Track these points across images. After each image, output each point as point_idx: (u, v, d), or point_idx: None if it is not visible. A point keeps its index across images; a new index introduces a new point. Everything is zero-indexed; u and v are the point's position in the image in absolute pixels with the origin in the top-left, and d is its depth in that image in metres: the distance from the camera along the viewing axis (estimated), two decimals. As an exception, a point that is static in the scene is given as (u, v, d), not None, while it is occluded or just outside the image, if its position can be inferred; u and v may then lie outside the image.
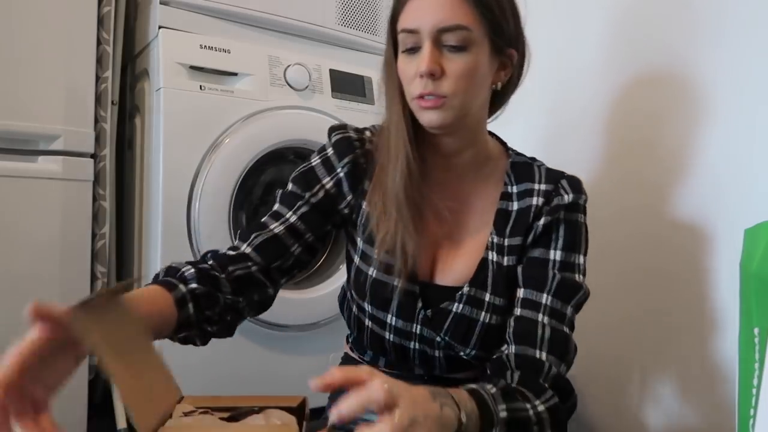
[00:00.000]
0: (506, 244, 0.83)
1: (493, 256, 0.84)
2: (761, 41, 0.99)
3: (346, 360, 0.97)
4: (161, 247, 1.39)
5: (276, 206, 0.88)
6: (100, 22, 1.43)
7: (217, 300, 0.75)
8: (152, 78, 1.46)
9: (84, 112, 1.38)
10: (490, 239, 0.84)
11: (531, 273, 0.82)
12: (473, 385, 0.67)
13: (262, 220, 0.86)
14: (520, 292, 0.81)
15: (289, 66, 1.56)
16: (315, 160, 0.89)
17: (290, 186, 0.88)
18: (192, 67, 1.43)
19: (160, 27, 1.43)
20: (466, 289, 0.83)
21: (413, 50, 0.78)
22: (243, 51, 1.51)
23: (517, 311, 0.81)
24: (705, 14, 1.08)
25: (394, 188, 0.80)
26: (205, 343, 0.78)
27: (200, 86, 1.43)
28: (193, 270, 0.75)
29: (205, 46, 1.45)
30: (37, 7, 1.30)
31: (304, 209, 0.85)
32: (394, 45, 0.83)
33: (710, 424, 1.05)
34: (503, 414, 0.65)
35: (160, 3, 1.45)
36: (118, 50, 1.52)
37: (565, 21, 1.36)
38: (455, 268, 0.85)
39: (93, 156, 1.40)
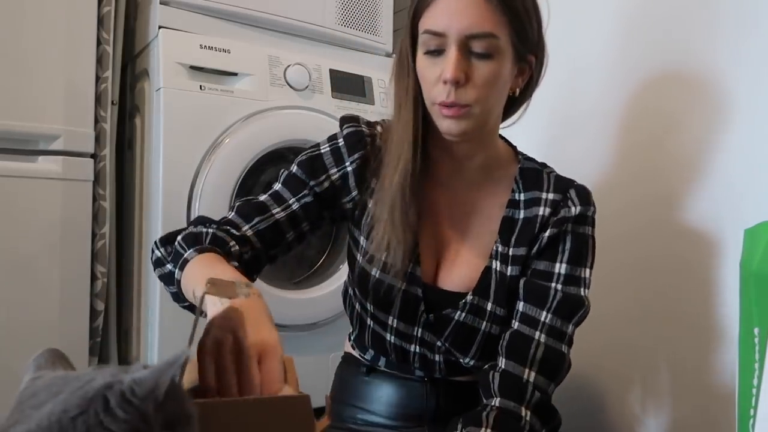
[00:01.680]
0: (510, 253, 0.82)
1: (497, 265, 0.82)
2: None
3: (347, 359, 0.97)
4: (161, 247, 1.39)
5: (278, 186, 0.86)
6: (100, 22, 1.43)
7: None
8: (152, 78, 1.46)
9: (84, 112, 1.38)
10: (495, 248, 0.83)
11: (533, 287, 0.80)
12: None
13: (261, 199, 0.85)
14: (520, 305, 0.80)
15: (289, 66, 1.55)
16: (324, 148, 0.87)
17: (295, 168, 0.86)
18: (192, 67, 1.43)
19: (160, 27, 1.43)
20: (469, 297, 0.82)
21: (437, 53, 0.75)
22: (243, 51, 1.51)
23: (515, 324, 0.80)
24: (720, 13, 1.08)
25: (390, 190, 0.79)
26: None
27: (200, 86, 1.43)
28: (238, 248, 0.77)
29: (205, 46, 1.45)
30: (37, 7, 1.30)
31: (307, 199, 0.84)
32: (412, 41, 0.79)
33: (710, 424, 1.04)
34: None
35: (160, 3, 1.44)
36: (118, 50, 1.52)
37: (575, 18, 1.36)
38: (459, 274, 0.85)
39: (93, 156, 1.40)
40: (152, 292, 1.42)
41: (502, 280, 0.81)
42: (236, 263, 0.73)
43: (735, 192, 1.02)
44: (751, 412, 0.62)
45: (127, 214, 1.63)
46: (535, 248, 0.81)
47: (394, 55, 1.85)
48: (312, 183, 0.85)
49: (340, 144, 0.86)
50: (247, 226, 0.81)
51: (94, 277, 1.43)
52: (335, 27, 1.68)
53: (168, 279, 0.78)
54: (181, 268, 0.73)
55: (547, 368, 0.77)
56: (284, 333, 1.52)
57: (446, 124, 0.76)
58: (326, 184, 0.85)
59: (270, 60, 1.54)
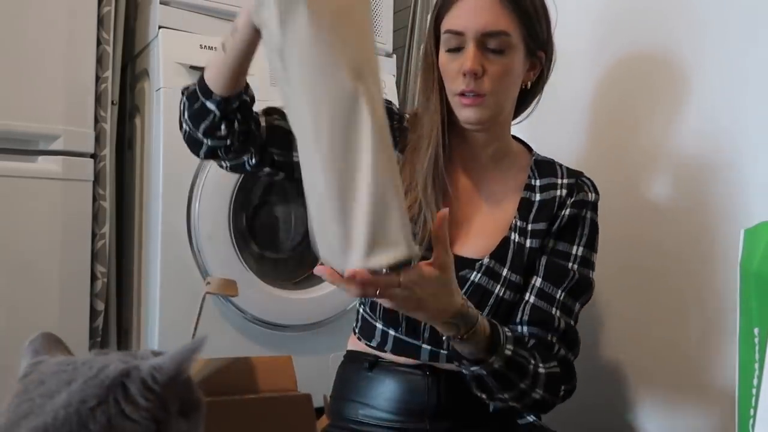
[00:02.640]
0: (530, 228, 0.90)
1: (515, 236, 0.90)
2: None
3: (350, 357, 0.97)
4: (161, 247, 1.39)
5: None
6: (100, 22, 1.43)
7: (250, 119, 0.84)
8: (152, 78, 1.46)
9: (84, 112, 1.38)
10: (514, 222, 0.91)
11: (553, 266, 0.88)
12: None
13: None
14: (537, 281, 0.88)
15: (289, 66, 1.55)
16: None
17: None
18: (192, 67, 1.43)
19: (160, 27, 1.43)
20: (486, 260, 0.88)
21: (457, 50, 0.84)
22: (243, 51, 1.51)
23: (531, 299, 0.87)
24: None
25: (422, 171, 0.87)
26: (227, 137, 0.82)
27: (200, 86, 1.43)
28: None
29: (205, 46, 1.45)
30: (37, 7, 1.30)
31: None
32: (436, 41, 0.88)
33: (710, 424, 1.04)
34: (507, 352, 0.75)
35: (160, 3, 1.44)
36: (118, 50, 1.52)
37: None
38: (477, 242, 0.91)
39: (93, 156, 1.40)
40: (152, 292, 1.42)
41: (520, 250, 0.89)
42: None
43: (735, 191, 1.02)
44: (751, 412, 0.62)
45: (127, 214, 1.63)
46: (556, 225, 0.90)
47: (394, 55, 1.85)
48: None
49: None
50: (265, 117, 0.88)
51: (94, 277, 1.43)
52: (335, 27, 1.68)
53: (198, 106, 0.82)
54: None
55: (568, 339, 0.86)
56: (284, 333, 1.53)
57: (465, 113, 0.86)
58: None
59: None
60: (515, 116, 0.96)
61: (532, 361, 0.79)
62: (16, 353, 1.43)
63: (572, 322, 0.87)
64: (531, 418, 0.93)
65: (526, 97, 0.95)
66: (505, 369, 0.76)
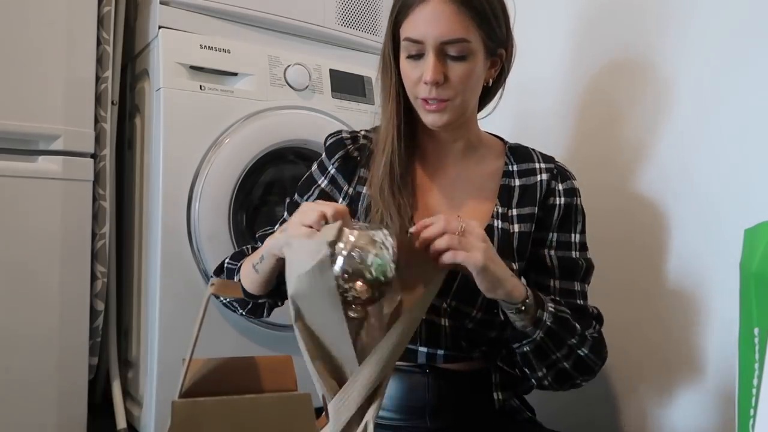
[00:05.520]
0: (514, 214, 0.92)
1: (498, 224, 0.91)
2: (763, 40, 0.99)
3: None
4: (161, 247, 1.39)
5: (286, 216, 0.97)
6: (100, 22, 1.43)
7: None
8: (152, 78, 1.46)
9: (84, 112, 1.38)
10: (495, 210, 0.92)
11: (563, 262, 0.91)
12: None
13: (273, 231, 0.93)
14: (556, 283, 0.91)
15: (289, 66, 1.56)
16: (313, 167, 0.98)
17: (295, 196, 0.98)
18: (192, 67, 1.43)
19: (160, 27, 1.43)
20: None
21: (417, 57, 0.84)
22: (243, 51, 1.51)
23: (561, 301, 0.89)
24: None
25: (379, 172, 0.88)
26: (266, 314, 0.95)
27: (200, 86, 1.43)
28: None
29: (205, 46, 1.45)
30: (37, 6, 1.30)
31: None
32: (394, 43, 0.89)
33: (710, 424, 1.05)
34: (551, 308, 0.80)
35: (160, 3, 1.44)
36: (118, 50, 1.52)
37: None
38: None
39: (93, 156, 1.40)
40: (152, 292, 1.42)
41: (506, 235, 0.90)
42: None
43: (735, 191, 1.02)
44: (751, 412, 0.62)
45: (127, 214, 1.63)
46: (556, 215, 0.92)
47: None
48: (305, 197, 0.95)
49: (322, 157, 0.98)
50: None
51: (94, 277, 1.43)
52: (335, 27, 1.68)
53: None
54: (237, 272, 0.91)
55: (600, 320, 0.91)
56: (284, 333, 1.53)
57: (430, 118, 0.87)
58: (316, 193, 0.95)
59: (270, 60, 1.54)
60: (480, 110, 0.98)
61: (575, 322, 0.83)
62: (16, 353, 1.44)
63: (588, 303, 0.92)
64: (528, 415, 0.93)
65: (489, 93, 0.96)
66: (558, 325, 0.80)
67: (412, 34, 0.83)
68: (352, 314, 0.67)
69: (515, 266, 0.89)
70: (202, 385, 0.65)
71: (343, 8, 1.69)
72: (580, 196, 0.95)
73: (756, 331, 0.63)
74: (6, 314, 1.26)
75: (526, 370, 0.85)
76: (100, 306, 1.45)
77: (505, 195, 0.93)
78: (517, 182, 0.94)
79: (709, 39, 1.08)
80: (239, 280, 0.88)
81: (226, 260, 0.95)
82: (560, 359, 0.82)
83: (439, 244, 0.71)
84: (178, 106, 1.40)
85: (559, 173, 0.95)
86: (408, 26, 0.84)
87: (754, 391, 0.63)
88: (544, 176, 0.93)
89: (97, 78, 1.42)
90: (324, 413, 0.69)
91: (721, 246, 1.03)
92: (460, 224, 0.72)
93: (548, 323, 0.79)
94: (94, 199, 1.42)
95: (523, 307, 0.77)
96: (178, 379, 0.66)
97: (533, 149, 0.99)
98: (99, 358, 1.50)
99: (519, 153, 0.97)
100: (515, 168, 0.95)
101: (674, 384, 1.11)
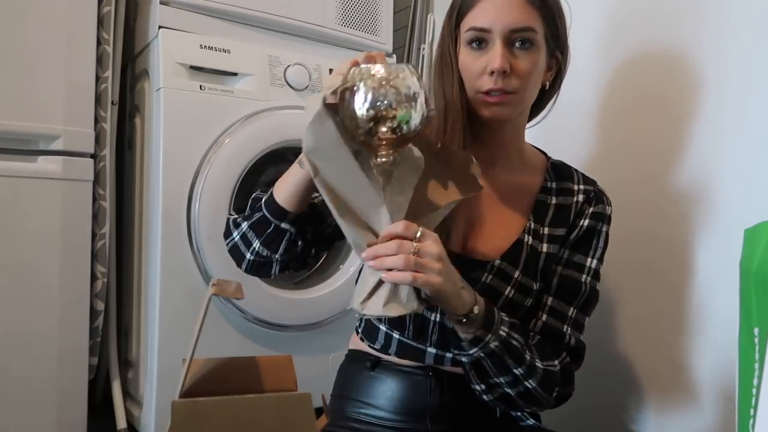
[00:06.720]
0: (546, 232, 0.90)
1: (529, 239, 0.89)
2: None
3: (351, 356, 0.97)
4: (161, 247, 1.39)
5: None
6: (100, 22, 1.43)
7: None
8: (152, 78, 1.46)
9: (84, 112, 1.38)
10: (528, 225, 0.90)
11: (566, 282, 0.89)
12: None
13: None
14: (549, 300, 0.88)
15: (289, 66, 1.56)
16: None
17: None
18: (192, 67, 1.43)
19: (160, 27, 1.43)
20: (497, 261, 0.87)
21: (480, 48, 0.83)
22: (243, 51, 1.51)
23: (543, 317, 0.87)
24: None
25: None
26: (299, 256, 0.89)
27: (200, 86, 1.43)
28: None
29: (205, 46, 1.45)
30: (37, 7, 1.30)
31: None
32: (454, 41, 0.87)
33: (710, 424, 1.05)
34: (503, 333, 0.77)
35: (160, 3, 1.44)
36: (118, 50, 1.52)
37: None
38: (488, 244, 0.89)
39: (93, 156, 1.40)
40: (152, 292, 1.42)
41: (534, 253, 0.88)
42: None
43: (735, 191, 1.02)
44: (751, 412, 0.62)
45: (127, 214, 1.63)
46: (574, 234, 0.90)
47: (394, 55, 1.85)
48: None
49: None
50: None
51: (94, 277, 1.43)
52: (335, 27, 1.68)
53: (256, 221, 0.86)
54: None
55: (575, 354, 0.89)
56: (284, 333, 1.53)
57: (491, 111, 0.84)
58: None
59: (270, 60, 1.54)
60: (530, 119, 0.95)
61: (528, 352, 0.80)
62: (16, 353, 1.44)
63: (581, 337, 0.89)
64: (531, 422, 0.93)
65: (542, 99, 0.94)
66: (502, 350, 0.77)
67: (478, 23, 0.82)
68: (381, 159, 0.68)
69: (535, 286, 0.88)
70: (203, 385, 0.65)
71: (343, 8, 1.69)
72: (608, 223, 0.92)
73: (756, 331, 0.63)
74: (6, 314, 1.26)
75: (468, 378, 0.82)
76: (100, 306, 1.45)
77: (540, 211, 0.91)
78: (554, 200, 0.92)
79: (710, 39, 1.07)
80: (271, 194, 0.85)
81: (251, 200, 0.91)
82: (502, 384, 0.80)
83: (395, 265, 0.68)
84: (178, 106, 1.40)
85: (596, 197, 0.93)
86: (473, 16, 0.83)
87: (754, 391, 0.63)
88: (581, 197, 0.92)
89: (97, 78, 1.42)
90: (324, 413, 0.69)
91: (721, 246, 1.03)
92: (414, 245, 0.69)
93: (492, 346, 0.76)
94: (94, 199, 1.42)
95: (464, 320, 0.75)
96: (178, 379, 0.67)
97: (576, 169, 0.97)
98: (99, 358, 1.50)
99: (560, 171, 0.95)
100: (554, 185, 0.93)
101: (674, 383, 1.11)
